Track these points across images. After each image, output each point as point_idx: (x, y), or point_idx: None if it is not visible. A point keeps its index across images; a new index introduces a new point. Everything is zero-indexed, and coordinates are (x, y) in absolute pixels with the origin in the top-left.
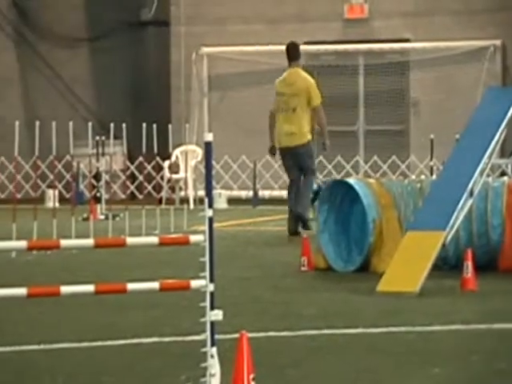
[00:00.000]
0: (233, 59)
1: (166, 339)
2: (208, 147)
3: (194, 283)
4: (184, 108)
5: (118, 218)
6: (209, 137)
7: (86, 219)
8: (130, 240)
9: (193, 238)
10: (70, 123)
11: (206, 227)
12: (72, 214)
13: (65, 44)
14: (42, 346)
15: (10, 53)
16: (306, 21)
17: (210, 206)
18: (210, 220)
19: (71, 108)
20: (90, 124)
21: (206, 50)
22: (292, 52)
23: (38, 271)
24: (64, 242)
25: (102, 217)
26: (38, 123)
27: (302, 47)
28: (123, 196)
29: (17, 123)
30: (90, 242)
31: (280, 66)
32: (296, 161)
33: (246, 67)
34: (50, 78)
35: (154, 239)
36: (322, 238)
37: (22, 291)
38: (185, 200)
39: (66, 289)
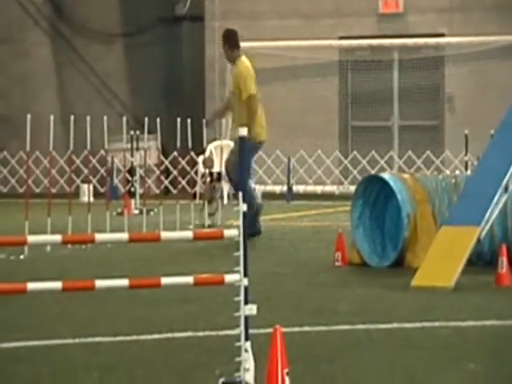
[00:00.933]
0: (268, 54)
1: (200, 334)
2: (242, 142)
3: (229, 278)
4: (218, 103)
5: (152, 213)
6: (243, 131)
7: (121, 214)
8: (164, 234)
9: (227, 233)
10: (105, 118)
11: (240, 222)
12: (106, 208)
13: (100, 39)
14: (77, 340)
15: (45, 48)
16: (341, 16)
17: (244, 200)
18: (244, 215)
19: (106, 103)
20: (124, 119)
21: (241, 45)
22: (237, 39)
23: (73, 266)
24: (99, 237)
25: (137, 211)
26: (72, 118)
27: (337, 42)
28: (157, 191)
29: (52, 118)
30: (124, 236)
31: (316, 61)
32: None
33: (281, 62)
34: (86, 73)
35: (189, 234)
36: (357, 234)
37: (57, 285)
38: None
39: (100, 283)
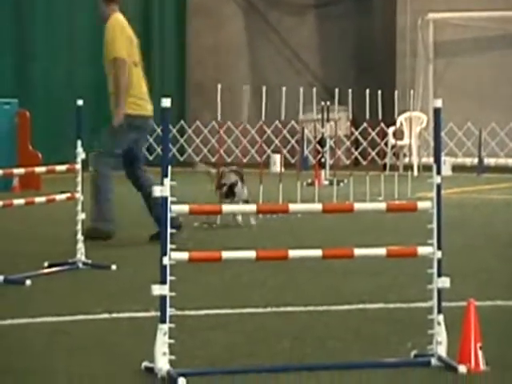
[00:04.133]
0: (459, 25)
1: (392, 305)
2: (437, 113)
3: (422, 250)
4: (409, 74)
5: (341, 184)
6: (438, 103)
7: (311, 184)
8: (357, 206)
9: (420, 205)
10: (301, 89)
11: (434, 194)
12: (297, 179)
13: (293, 11)
14: (268, 309)
15: (239, 21)
16: None
17: (439, 172)
18: (439, 187)
19: (297, 74)
20: (314, 90)
21: (432, 15)
22: None
23: (264, 235)
24: (293, 207)
25: (326, 182)
26: (265, 88)
27: None
28: (347, 162)
29: (245, 88)
30: (318, 206)
31: (509, 32)
32: (144, 138)
33: (473, 33)
34: (278, 45)
35: (382, 205)
36: None
37: (251, 254)
38: (409, 167)
39: (294, 253)
